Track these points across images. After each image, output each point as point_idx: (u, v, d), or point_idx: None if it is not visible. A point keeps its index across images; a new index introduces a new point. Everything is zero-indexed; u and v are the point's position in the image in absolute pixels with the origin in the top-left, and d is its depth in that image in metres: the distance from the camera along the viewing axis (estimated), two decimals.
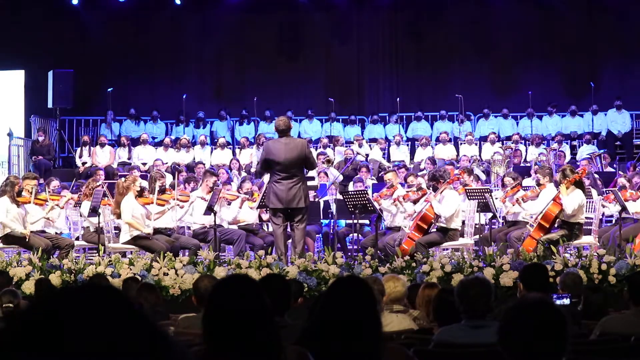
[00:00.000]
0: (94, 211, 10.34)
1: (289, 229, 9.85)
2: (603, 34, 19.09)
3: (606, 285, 8.83)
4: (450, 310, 4.52)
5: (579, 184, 10.11)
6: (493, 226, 11.73)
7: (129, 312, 1.23)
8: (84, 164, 16.83)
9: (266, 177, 14.66)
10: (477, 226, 11.20)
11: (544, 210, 10.11)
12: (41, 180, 11.59)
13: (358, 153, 16.03)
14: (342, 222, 12.43)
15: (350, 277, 3.49)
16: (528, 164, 15.41)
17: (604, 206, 11.39)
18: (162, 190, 10.99)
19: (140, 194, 10.54)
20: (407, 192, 11.58)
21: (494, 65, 19.44)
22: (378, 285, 5.51)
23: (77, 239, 11.30)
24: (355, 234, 11.70)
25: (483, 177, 14.89)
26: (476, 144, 17.17)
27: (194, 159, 16.83)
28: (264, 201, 10.72)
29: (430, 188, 11.01)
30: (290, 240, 9.93)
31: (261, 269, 9.34)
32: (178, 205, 10.92)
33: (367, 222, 12.14)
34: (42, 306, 1.22)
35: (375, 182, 14.10)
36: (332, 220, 12.29)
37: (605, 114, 17.80)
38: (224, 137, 17.75)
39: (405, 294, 5.93)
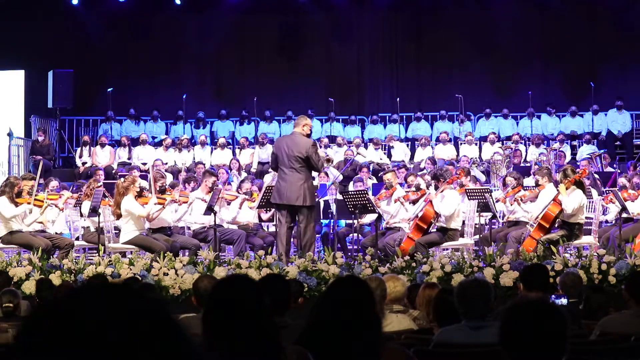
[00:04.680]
0: (94, 211, 10.34)
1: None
2: (603, 34, 19.09)
3: (606, 285, 8.83)
4: (450, 310, 4.52)
5: (579, 184, 10.11)
6: (493, 226, 11.73)
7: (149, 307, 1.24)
8: (84, 164, 16.83)
9: (267, 177, 14.76)
10: (477, 226, 11.19)
11: (543, 210, 10.10)
12: (41, 180, 11.57)
13: (358, 153, 16.03)
14: (342, 222, 12.43)
15: (350, 277, 3.49)
16: (528, 164, 15.40)
17: (604, 210, 11.39)
18: (162, 190, 10.99)
19: (139, 194, 10.54)
20: (407, 192, 11.58)
21: (494, 65, 19.44)
22: (381, 287, 5.49)
23: (77, 239, 11.29)
24: (355, 234, 11.70)
25: (482, 178, 14.88)
26: (476, 144, 17.17)
27: (194, 158, 16.84)
28: (264, 201, 10.74)
29: (431, 187, 11.01)
30: (295, 240, 9.98)
31: (261, 269, 9.34)
32: (176, 202, 10.91)
33: (367, 222, 12.14)
34: (59, 307, 1.24)
35: (375, 182, 14.11)
36: (332, 220, 12.28)
37: (606, 114, 17.80)
38: (224, 137, 17.75)
39: (405, 294, 5.93)
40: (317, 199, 12.22)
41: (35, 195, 10.58)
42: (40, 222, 10.72)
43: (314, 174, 13.41)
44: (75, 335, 1.19)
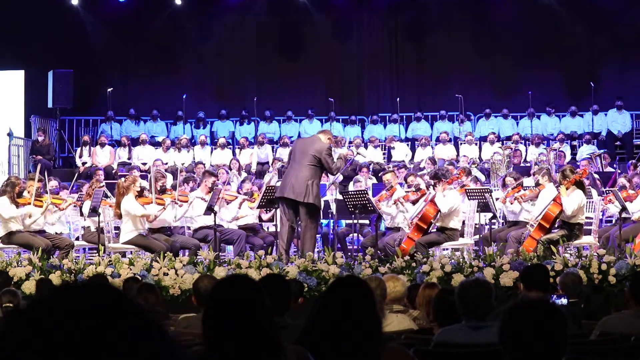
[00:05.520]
0: (94, 211, 10.34)
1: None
2: (603, 34, 19.08)
3: (606, 285, 8.83)
4: (450, 310, 4.52)
5: (579, 184, 10.11)
6: (493, 226, 11.73)
7: (129, 310, 1.24)
8: (84, 164, 16.83)
9: (267, 177, 14.76)
10: (477, 226, 11.19)
11: (544, 210, 10.10)
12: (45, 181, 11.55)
13: (358, 153, 16.02)
14: (342, 222, 12.43)
15: (350, 277, 3.49)
16: (528, 164, 15.40)
17: (604, 208, 11.39)
18: (163, 190, 10.99)
19: (140, 194, 10.54)
20: (407, 192, 11.57)
21: (494, 65, 19.43)
22: (381, 287, 5.49)
23: (77, 239, 11.30)
24: (355, 234, 11.69)
25: (482, 178, 14.87)
26: (476, 144, 17.17)
27: (194, 159, 16.83)
28: (264, 201, 10.75)
29: (431, 187, 11.01)
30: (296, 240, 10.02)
31: (261, 269, 9.34)
32: (176, 203, 10.91)
33: (367, 222, 12.13)
34: (40, 306, 1.24)
35: (375, 182, 14.10)
36: (332, 220, 12.28)
37: (606, 114, 17.79)
38: (224, 137, 17.75)
39: (405, 294, 5.93)
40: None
41: (39, 197, 10.56)
42: (48, 210, 10.67)
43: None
44: (39, 340, 1.19)
